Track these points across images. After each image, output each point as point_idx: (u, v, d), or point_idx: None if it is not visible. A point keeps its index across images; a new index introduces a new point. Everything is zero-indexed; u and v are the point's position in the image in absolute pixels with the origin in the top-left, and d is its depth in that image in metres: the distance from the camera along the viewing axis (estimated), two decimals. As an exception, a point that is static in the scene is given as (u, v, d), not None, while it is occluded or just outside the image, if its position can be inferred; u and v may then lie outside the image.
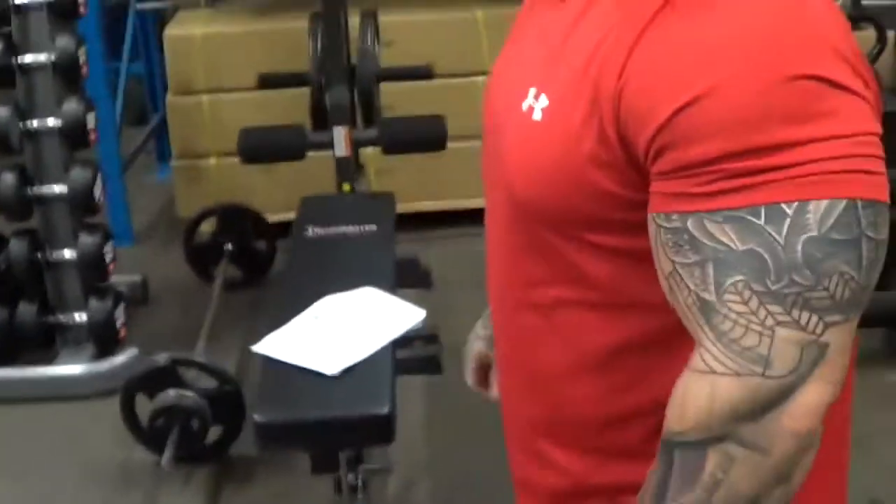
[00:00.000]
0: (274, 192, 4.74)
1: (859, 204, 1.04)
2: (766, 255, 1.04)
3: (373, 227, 3.43)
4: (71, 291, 3.98)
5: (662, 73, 1.07)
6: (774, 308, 1.05)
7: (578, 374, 1.29)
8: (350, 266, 3.19)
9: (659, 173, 1.08)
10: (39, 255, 3.93)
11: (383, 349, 2.64)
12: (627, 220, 1.15)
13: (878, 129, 1.08)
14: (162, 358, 3.40)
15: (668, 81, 1.06)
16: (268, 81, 4.25)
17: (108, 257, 3.92)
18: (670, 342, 1.19)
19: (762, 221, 1.04)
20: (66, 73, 3.89)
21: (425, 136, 3.86)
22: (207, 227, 4.68)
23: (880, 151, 1.07)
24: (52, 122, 3.88)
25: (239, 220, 4.59)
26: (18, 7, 3.86)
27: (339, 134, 3.71)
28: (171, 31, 4.95)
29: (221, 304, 4.15)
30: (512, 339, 1.39)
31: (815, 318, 1.05)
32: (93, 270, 3.93)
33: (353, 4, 4.17)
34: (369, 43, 3.86)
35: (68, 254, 3.93)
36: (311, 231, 3.41)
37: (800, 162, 1.02)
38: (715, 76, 1.04)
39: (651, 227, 1.12)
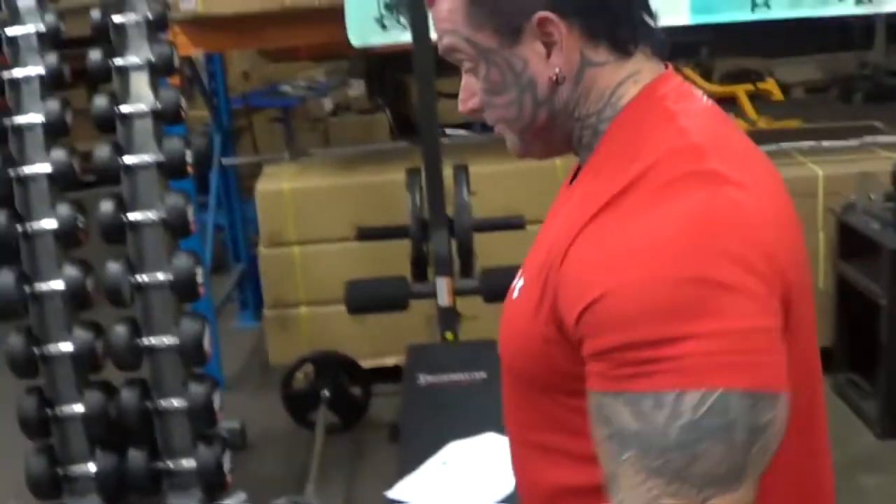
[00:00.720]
0: (364, 339, 4.88)
1: (736, 393, 1.20)
2: (650, 436, 1.22)
3: (482, 374, 3.56)
4: (180, 438, 4.09)
5: (580, 273, 1.29)
6: (658, 481, 1.22)
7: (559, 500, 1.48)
8: (467, 413, 3.30)
9: (586, 355, 1.28)
10: (149, 404, 4.06)
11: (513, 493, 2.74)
12: (576, 390, 1.32)
13: (767, 322, 1.24)
14: (281, 501, 3.50)
15: (582, 281, 1.28)
16: (367, 234, 4.42)
17: (216, 405, 4.05)
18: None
19: (650, 406, 1.21)
20: (176, 229, 4.07)
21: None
22: (301, 373, 4.82)
23: (768, 345, 1.23)
24: (161, 276, 4.04)
25: (334, 367, 4.72)
26: (129, 167, 4.06)
27: (443, 284, 3.85)
28: (262, 186, 5.15)
29: (323, 449, 4.26)
30: (516, 466, 1.60)
31: (693, 491, 1.21)
32: (202, 418, 4.05)
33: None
34: (464, 195, 4.03)
35: (177, 402, 4.06)
36: (423, 379, 3.54)
37: (681, 355, 1.20)
38: (612, 280, 1.24)
39: (588, 400, 1.31)
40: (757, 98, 8.48)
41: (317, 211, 4.98)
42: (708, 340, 1.19)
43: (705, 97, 1.48)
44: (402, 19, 4.63)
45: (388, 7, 4.63)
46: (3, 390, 4.43)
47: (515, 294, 1.46)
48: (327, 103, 8.36)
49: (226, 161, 5.89)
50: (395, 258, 4.44)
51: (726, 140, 1.41)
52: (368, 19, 4.63)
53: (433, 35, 1.58)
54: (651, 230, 1.25)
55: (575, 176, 1.55)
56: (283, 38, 5.20)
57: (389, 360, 5.08)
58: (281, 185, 5.05)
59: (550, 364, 1.37)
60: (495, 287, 3.96)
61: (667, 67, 1.48)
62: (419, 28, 3.68)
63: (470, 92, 1.50)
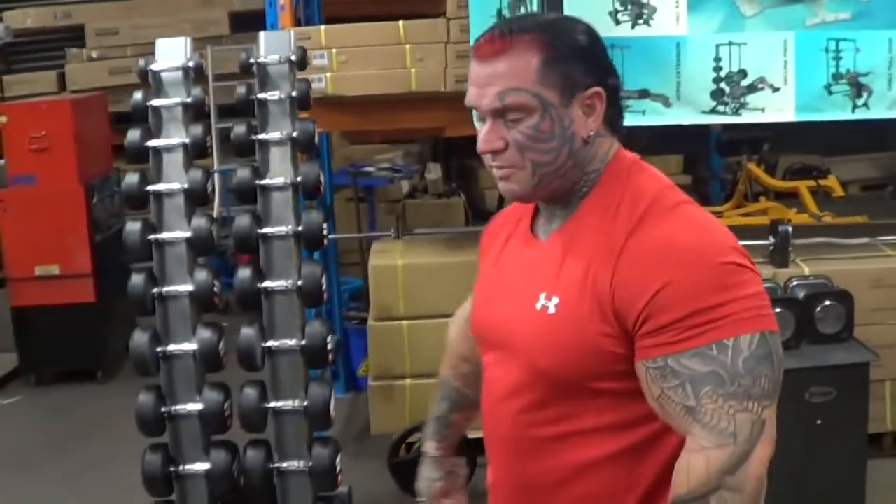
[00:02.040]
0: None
1: (767, 333, 1.76)
2: (721, 372, 1.73)
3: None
4: (300, 500, 4.23)
5: (639, 275, 1.76)
6: (732, 402, 1.73)
7: (587, 475, 1.91)
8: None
9: (644, 334, 1.77)
10: (271, 465, 4.20)
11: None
12: (619, 370, 1.81)
13: (763, 287, 1.80)
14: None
15: (641, 284, 1.76)
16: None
17: (338, 468, 4.20)
18: (642, 448, 1.87)
19: (715, 352, 1.73)
20: (310, 297, 4.24)
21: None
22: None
23: (769, 301, 1.81)
24: (293, 342, 4.21)
25: (441, 438, 4.84)
26: (265, 235, 4.24)
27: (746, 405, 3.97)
28: (375, 262, 5.32)
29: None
30: (523, 464, 1.97)
31: (755, 405, 1.74)
32: (324, 481, 4.19)
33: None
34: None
35: (300, 464, 4.20)
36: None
37: (729, 314, 1.73)
38: (668, 273, 1.74)
39: (640, 371, 1.79)
40: (815, 194, 8.62)
41: (426, 287, 5.14)
42: (742, 301, 1.74)
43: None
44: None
45: (511, 94, 4.81)
46: (128, 446, 4.57)
47: (552, 310, 1.86)
48: (405, 185, 8.56)
49: (331, 236, 6.06)
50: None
51: None
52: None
53: (483, 91, 1.85)
54: (680, 237, 1.78)
55: (536, 217, 2.02)
56: (408, 120, 5.39)
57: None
58: (394, 261, 5.22)
59: (599, 353, 1.81)
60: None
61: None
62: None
63: (497, 135, 1.86)
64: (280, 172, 4.29)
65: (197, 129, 4.33)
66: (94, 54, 9.31)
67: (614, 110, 1.92)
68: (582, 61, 1.85)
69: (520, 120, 1.84)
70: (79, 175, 7.01)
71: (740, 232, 5.56)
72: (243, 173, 4.29)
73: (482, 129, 1.88)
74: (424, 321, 5.18)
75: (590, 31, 1.91)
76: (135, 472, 4.23)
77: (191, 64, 4.39)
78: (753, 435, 1.74)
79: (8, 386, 7.33)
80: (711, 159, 9.95)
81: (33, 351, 7.22)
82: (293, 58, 4.40)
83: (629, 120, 4.69)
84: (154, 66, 4.40)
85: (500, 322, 1.99)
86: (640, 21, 4.78)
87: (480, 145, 1.89)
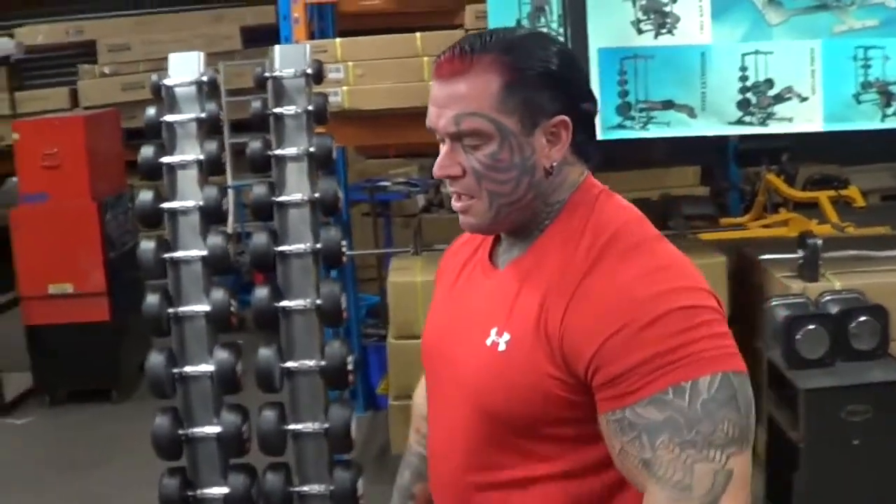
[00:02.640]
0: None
1: (730, 374, 1.60)
2: (678, 417, 1.58)
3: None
4: (322, 525, 4.14)
5: (590, 318, 1.63)
6: (690, 451, 1.57)
7: None
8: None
9: (598, 386, 1.63)
10: (291, 489, 4.10)
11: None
12: (574, 417, 1.68)
13: (727, 328, 1.66)
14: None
15: (594, 323, 1.63)
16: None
17: (359, 491, 4.10)
18: (597, 501, 1.73)
19: (671, 397, 1.58)
20: (329, 316, 4.14)
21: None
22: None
23: (733, 342, 1.65)
24: (311, 363, 4.11)
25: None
26: (283, 253, 4.15)
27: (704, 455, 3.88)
28: (394, 279, 5.22)
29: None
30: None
31: (718, 453, 1.57)
32: (346, 505, 4.11)
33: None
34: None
35: (321, 488, 4.10)
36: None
37: (686, 355, 1.59)
38: (617, 322, 1.61)
39: (602, 423, 1.65)
40: (834, 204, 8.53)
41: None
42: (702, 342, 1.60)
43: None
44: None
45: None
46: (144, 469, 4.48)
47: (502, 348, 1.72)
48: (420, 200, 8.47)
49: (349, 253, 5.97)
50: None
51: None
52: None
53: (441, 112, 1.73)
54: (637, 279, 1.64)
55: (493, 253, 1.89)
56: (427, 134, 5.28)
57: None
58: (414, 278, 5.11)
59: (550, 399, 1.68)
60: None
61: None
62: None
63: (454, 160, 1.74)
64: (297, 189, 4.19)
65: (211, 145, 4.23)
66: (107, 70, 9.25)
67: (586, 136, 1.79)
68: (548, 86, 1.72)
69: (477, 147, 1.71)
70: (91, 192, 6.93)
71: (764, 245, 5.48)
72: (259, 190, 4.20)
73: (440, 154, 1.76)
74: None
75: (561, 52, 1.77)
76: (151, 495, 4.14)
77: (204, 78, 4.30)
78: (716, 487, 1.57)
79: (22, 406, 7.26)
80: (730, 170, 9.84)
81: (47, 370, 7.14)
82: (309, 71, 4.30)
83: (655, 131, 4.64)
84: (167, 81, 4.31)
85: (448, 355, 1.85)
86: (664, 30, 4.67)
87: (436, 169, 1.77)
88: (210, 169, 4.24)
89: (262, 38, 8.24)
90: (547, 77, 1.72)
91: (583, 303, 1.66)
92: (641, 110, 4.68)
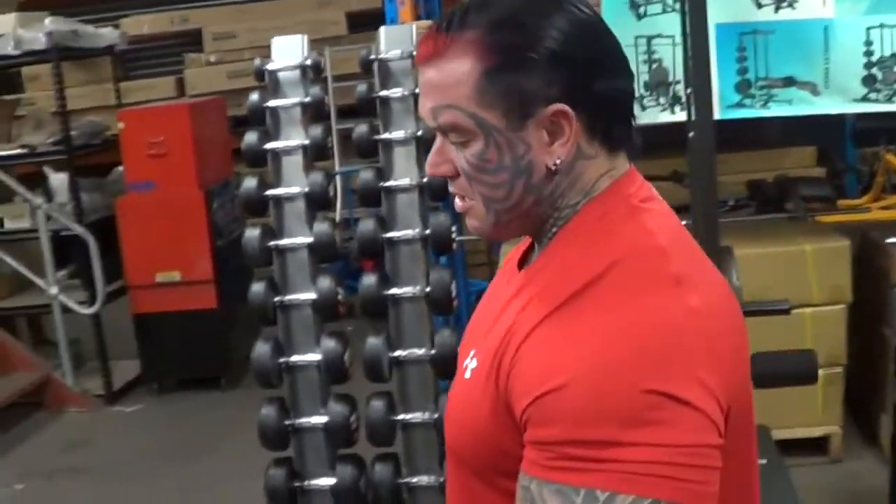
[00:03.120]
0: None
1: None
2: None
3: (762, 461, 3.42)
4: (430, 516, 4.04)
5: (535, 364, 1.32)
6: None
7: None
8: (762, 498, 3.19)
9: (526, 441, 1.32)
10: (400, 480, 4.01)
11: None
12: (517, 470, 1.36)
13: (709, 438, 1.28)
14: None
15: (538, 371, 1.32)
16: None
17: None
18: None
19: (580, 500, 1.26)
20: (439, 304, 4.03)
21: (798, 371, 3.86)
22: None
23: (705, 461, 1.27)
24: (421, 351, 4.00)
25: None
26: (391, 240, 4.04)
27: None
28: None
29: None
30: None
31: None
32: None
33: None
34: (734, 279, 3.91)
35: (430, 479, 4.01)
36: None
37: (621, 460, 1.24)
38: (568, 374, 1.28)
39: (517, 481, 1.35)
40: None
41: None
42: (650, 450, 1.24)
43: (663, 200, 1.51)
44: (661, 99, 4.58)
45: (647, 86, 4.59)
46: (250, 459, 4.42)
47: (467, 374, 1.46)
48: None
49: (458, 238, 5.87)
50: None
51: (688, 242, 1.47)
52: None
53: (422, 102, 1.46)
54: (613, 333, 1.29)
55: (525, 258, 1.57)
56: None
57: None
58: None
59: (494, 443, 1.39)
60: (770, 371, 3.84)
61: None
62: (702, 103, 3.60)
63: (444, 157, 1.46)
64: (405, 173, 4.08)
65: (316, 130, 4.15)
66: (212, 58, 9.24)
67: (611, 123, 1.44)
68: (543, 68, 1.37)
69: (464, 144, 1.42)
70: (198, 180, 6.92)
71: (887, 228, 5.28)
72: (367, 175, 4.10)
73: (433, 147, 1.49)
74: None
75: (568, 21, 1.40)
76: (257, 485, 4.08)
77: (308, 62, 4.21)
78: None
79: (131, 393, 7.32)
80: (846, 150, 9.57)
81: (156, 358, 7.17)
82: (415, 52, 4.18)
83: (777, 110, 4.47)
84: (270, 66, 4.23)
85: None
86: (784, 4, 4.48)
87: (427, 167, 1.50)
88: (315, 154, 4.16)
89: (369, 22, 8.15)
90: (539, 57, 1.38)
91: (533, 348, 1.35)
92: (761, 88, 4.51)
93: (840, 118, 8.67)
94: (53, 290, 7.04)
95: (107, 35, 7.87)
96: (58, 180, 7.08)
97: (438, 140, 1.47)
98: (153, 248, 6.89)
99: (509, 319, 1.42)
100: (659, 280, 1.35)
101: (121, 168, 7.19)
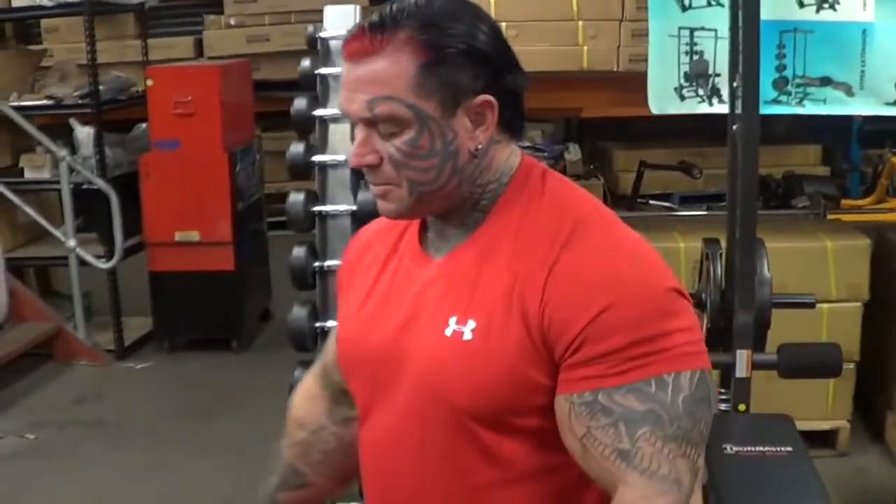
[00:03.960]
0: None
1: (705, 373, 1.57)
2: (660, 411, 1.53)
3: (788, 448, 3.53)
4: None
5: (574, 295, 1.55)
6: (672, 445, 1.53)
7: None
8: (784, 485, 3.30)
9: (574, 364, 1.55)
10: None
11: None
12: (542, 404, 1.59)
13: (696, 318, 1.62)
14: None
15: (579, 301, 1.55)
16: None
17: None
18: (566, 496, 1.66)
19: (653, 389, 1.53)
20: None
21: (823, 363, 3.96)
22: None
23: (702, 335, 1.62)
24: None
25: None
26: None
27: (743, 357, 3.83)
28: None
29: None
30: None
31: (693, 451, 1.56)
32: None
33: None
34: (765, 271, 4.01)
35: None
36: (730, 449, 3.53)
37: (671, 346, 1.54)
38: (610, 296, 1.54)
39: (562, 406, 1.57)
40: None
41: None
42: (683, 334, 1.56)
43: None
44: (700, 90, 4.67)
45: (687, 77, 4.68)
46: (262, 421, 4.48)
47: (467, 336, 1.61)
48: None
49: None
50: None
51: None
52: (668, 89, 4.68)
53: (352, 96, 1.61)
54: (623, 256, 1.60)
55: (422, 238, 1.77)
56: (576, 99, 5.27)
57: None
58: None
59: (524, 384, 1.59)
60: (796, 363, 3.94)
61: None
62: (749, 97, 3.70)
63: (370, 148, 1.62)
64: None
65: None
66: (232, 21, 9.28)
67: (513, 112, 1.67)
68: (470, 63, 1.59)
69: (394, 134, 1.59)
70: (223, 142, 6.94)
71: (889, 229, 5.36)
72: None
73: (355, 140, 1.63)
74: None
75: (485, 22, 1.63)
76: (267, 449, 4.13)
77: (361, 33, 4.28)
78: (692, 484, 1.56)
79: (141, 350, 7.35)
80: (852, 151, 9.68)
81: (168, 316, 7.20)
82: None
83: (811, 108, 4.56)
84: (322, 34, 4.31)
85: (396, 352, 1.70)
86: (826, 5, 4.57)
87: (351, 160, 1.65)
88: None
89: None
90: (468, 54, 1.59)
91: (567, 277, 1.57)
92: (798, 86, 4.60)
93: (847, 119, 8.78)
94: (71, 242, 7.06)
95: (137, -9, 7.91)
96: (83, 133, 7.09)
97: (363, 132, 1.62)
98: (174, 206, 6.92)
99: (500, 277, 1.62)
100: (614, 219, 1.67)
101: (145, 125, 7.23)
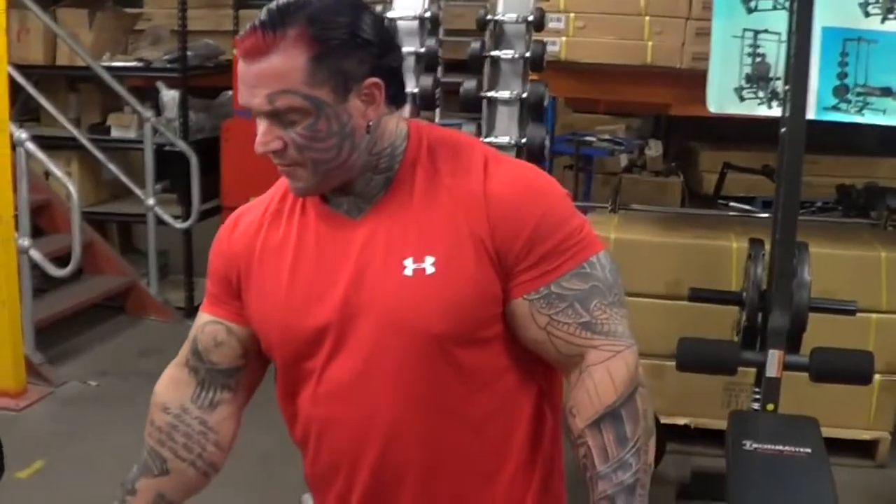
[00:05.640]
0: (660, 396, 4.90)
1: (607, 250, 1.92)
2: (600, 285, 1.86)
3: (807, 450, 3.59)
4: None
5: (513, 212, 1.83)
6: (616, 309, 1.87)
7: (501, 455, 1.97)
8: (800, 485, 3.35)
9: (524, 269, 1.84)
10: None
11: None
12: (498, 312, 1.87)
13: None
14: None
15: (519, 215, 1.83)
16: (699, 296, 4.48)
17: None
18: (513, 394, 1.94)
19: (588, 270, 1.86)
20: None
21: (854, 370, 3.99)
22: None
23: None
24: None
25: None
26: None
27: (774, 357, 3.88)
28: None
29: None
30: (430, 444, 1.91)
31: (624, 310, 1.89)
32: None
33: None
34: (805, 274, 4.05)
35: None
36: (750, 445, 3.59)
37: (584, 235, 1.88)
38: (540, 206, 1.85)
39: (520, 307, 1.86)
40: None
41: (637, 264, 5.00)
42: (585, 225, 1.89)
43: None
44: (760, 93, 4.70)
45: (748, 79, 4.71)
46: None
47: (430, 270, 1.83)
48: (623, 159, 8.46)
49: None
50: (700, 322, 4.58)
51: None
52: (728, 88, 4.71)
53: (253, 91, 1.76)
54: (530, 175, 1.91)
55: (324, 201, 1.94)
56: (639, 93, 5.32)
57: (681, 420, 5.15)
58: (608, 234, 5.12)
59: (489, 298, 1.85)
60: (828, 367, 3.98)
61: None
62: (797, 101, 3.74)
63: (273, 135, 1.78)
64: (506, 132, 4.24)
65: (427, 80, 4.33)
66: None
67: (396, 87, 1.88)
68: (355, 51, 1.77)
69: (295, 122, 1.76)
70: (301, 112, 7.03)
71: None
72: (468, 129, 4.28)
73: (259, 130, 1.79)
74: (634, 299, 5.07)
75: (363, 13, 1.80)
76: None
77: (427, 14, 4.39)
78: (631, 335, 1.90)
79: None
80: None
81: (238, 280, 7.31)
82: (531, 18, 4.33)
83: (870, 118, 4.57)
84: (390, 14, 4.41)
85: (345, 310, 1.87)
86: (891, 16, 4.57)
87: (257, 147, 1.80)
88: (423, 103, 4.34)
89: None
90: (352, 43, 1.76)
91: (501, 201, 1.83)
92: (858, 94, 4.61)
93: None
94: (151, 201, 7.28)
95: (236, -39, 8.05)
96: (169, 96, 7.29)
97: (265, 123, 1.78)
98: (251, 173, 6.92)
99: (438, 214, 1.85)
100: (496, 152, 1.96)
101: (230, 92, 7.40)
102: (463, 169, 1.88)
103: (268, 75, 1.73)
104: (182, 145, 7.11)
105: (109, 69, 7.34)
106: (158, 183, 7.41)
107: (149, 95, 7.52)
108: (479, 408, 1.91)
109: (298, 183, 1.85)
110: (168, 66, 7.33)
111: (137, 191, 7.39)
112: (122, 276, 7.44)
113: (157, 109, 7.33)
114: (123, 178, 7.45)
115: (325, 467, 2.00)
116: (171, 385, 2.13)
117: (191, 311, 7.38)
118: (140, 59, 7.49)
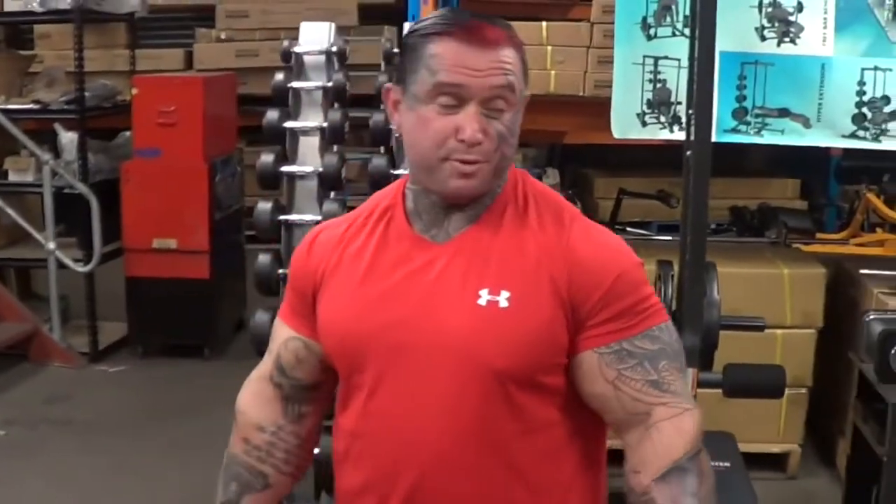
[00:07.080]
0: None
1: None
2: (667, 349, 1.93)
3: (726, 464, 3.65)
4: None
5: (592, 268, 1.89)
6: (680, 374, 1.93)
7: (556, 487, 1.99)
8: (721, 500, 3.40)
9: (598, 323, 1.89)
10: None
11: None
12: (561, 363, 1.91)
13: None
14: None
15: (598, 271, 1.89)
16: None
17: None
18: (560, 446, 1.95)
19: (657, 333, 1.93)
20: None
21: (766, 384, 4.06)
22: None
23: None
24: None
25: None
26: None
27: (688, 375, 3.94)
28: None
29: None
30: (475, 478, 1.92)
31: (687, 378, 2.01)
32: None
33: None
34: (715, 293, 4.12)
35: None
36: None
37: (655, 302, 1.94)
38: (620, 266, 1.91)
39: (589, 359, 1.91)
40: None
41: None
42: (654, 294, 1.95)
43: None
44: (662, 117, 4.80)
45: (650, 104, 4.80)
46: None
47: (503, 304, 1.87)
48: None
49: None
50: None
51: None
52: (631, 114, 4.81)
53: (490, 73, 1.83)
54: (611, 238, 1.97)
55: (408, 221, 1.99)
56: (540, 122, 5.38)
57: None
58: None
59: (555, 345, 1.89)
60: (740, 383, 4.04)
61: None
62: (702, 130, 3.81)
63: (483, 124, 1.83)
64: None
65: (336, 115, 4.35)
66: (223, 35, 9.35)
67: None
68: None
69: (502, 112, 1.84)
70: (204, 152, 7.06)
71: (858, 260, 5.48)
72: (379, 161, 4.30)
73: (468, 115, 1.82)
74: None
75: None
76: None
77: (334, 49, 4.42)
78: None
79: (115, 354, 7.43)
80: (829, 186, 9.78)
81: (143, 322, 7.28)
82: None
83: (769, 138, 4.70)
84: (297, 48, 4.43)
85: (412, 328, 1.89)
86: (787, 39, 4.72)
87: (475, 133, 1.82)
88: (332, 137, 4.36)
89: (379, 15, 8.35)
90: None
91: (581, 255, 1.90)
92: (757, 116, 4.73)
93: (826, 155, 8.92)
94: (51, 245, 7.16)
95: (129, 1, 7.99)
96: (67, 138, 7.19)
97: (474, 110, 1.83)
98: (153, 214, 7.01)
99: (524, 252, 1.90)
100: (583, 216, 2.01)
101: (128, 133, 7.34)
102: (551, 219, 1.94)
103: (508, 61, 1.83)
104: (82, 188, 7.01)
105: (5, 111, 7.22)
106: (57, 226, 7.29)
107: (45, 138, 7.41)
108: (526, 451, 1.93)
109: (475, 182, 1.88)
110: (66, 107, 7.23)
111: (37, 235, 7.26)
112: (24, 323, 7.29)
113: (56, 152, 7.22)
114: (22, 223, 7.32)
115: (359, 486, 1.99)
116: (259, 402, 2.17)
117: (95, 355, 7.29)
118: (36, 101, 7.39)
